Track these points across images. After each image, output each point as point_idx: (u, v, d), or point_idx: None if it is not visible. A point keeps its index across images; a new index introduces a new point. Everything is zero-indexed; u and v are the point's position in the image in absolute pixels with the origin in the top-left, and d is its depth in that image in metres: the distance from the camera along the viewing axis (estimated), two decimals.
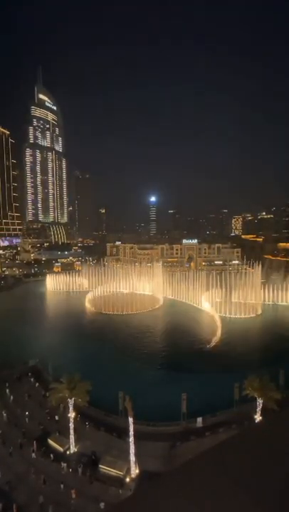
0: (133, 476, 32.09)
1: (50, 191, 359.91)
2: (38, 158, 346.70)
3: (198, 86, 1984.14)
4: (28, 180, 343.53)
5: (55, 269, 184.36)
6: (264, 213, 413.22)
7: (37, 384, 50.76)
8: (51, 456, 34.32)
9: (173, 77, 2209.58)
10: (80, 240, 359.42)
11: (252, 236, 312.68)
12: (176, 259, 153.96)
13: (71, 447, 36.06)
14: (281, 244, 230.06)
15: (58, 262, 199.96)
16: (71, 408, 37.11)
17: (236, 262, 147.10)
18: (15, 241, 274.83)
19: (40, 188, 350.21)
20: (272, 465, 2.24)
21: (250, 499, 1.91)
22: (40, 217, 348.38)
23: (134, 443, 32.32)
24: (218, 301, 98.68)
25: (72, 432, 35.96)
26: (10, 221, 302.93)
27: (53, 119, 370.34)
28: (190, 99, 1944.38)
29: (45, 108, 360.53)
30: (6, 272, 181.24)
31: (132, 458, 32.37)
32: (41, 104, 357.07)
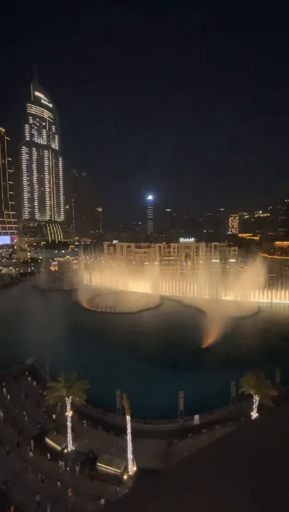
0: (131, 473, 32.24)
1: (47, 189, 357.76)
2: (34, 156, 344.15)
3: (199, 83, 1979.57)
4: (24, 178, 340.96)
5: (52, 268, 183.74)
6: (260, 212, 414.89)
7: (34, 383, 50.65)
8: (48, 454, 34.31)
9: (172, 75, 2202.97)
10: (76, 238, 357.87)
11: (249, 234, 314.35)
12: (173, 258, 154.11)
13: (69, 446, 36.10)
14: (278, 242, 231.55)
15: (54, 261, 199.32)
16: (68, 407, 37.12)
17: (233, 260, 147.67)
18: (8, 241, 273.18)
19: (36, 187, 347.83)
20: (268, 461, 2.27)
21: (248, 495, 1.93)
22: (37, 216, 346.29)
23: (132, 441, 32.45)
24: (215, 300, 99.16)
25: (69, 430, 35.98)
26: (6, 219, 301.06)
27: (49, 117, 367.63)
28: (190, 96, 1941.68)
29: (41, 105, 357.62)
30: (3, 271, 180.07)
31: (130, 456, 32.51)
32: (37, 102, 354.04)
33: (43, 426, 39.76)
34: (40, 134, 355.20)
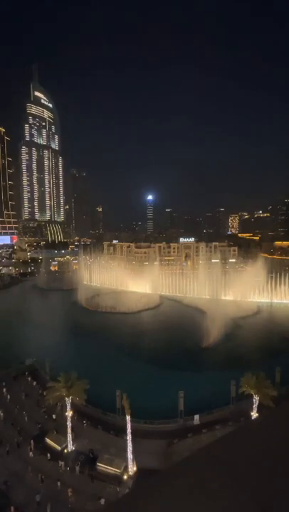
0: (131, 473, 32.24)
1: (47, 189, 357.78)
2: (34, 156, 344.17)
3: (199, 87, 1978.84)
4: (24, 178, 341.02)
5: (52, 268, 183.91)
6: (260, 212, 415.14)
7: (34, 383, 50.67)
8: (48, 454, 34.32)
9: (172, 74, 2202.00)
10: (76, 238, 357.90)
11: (248, 234, 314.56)
12: (173, 258, 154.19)
13: (69, 446, 36.11)
14: (277, 242, 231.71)
15: (54, 261, 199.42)
16: (68, 407, 37.15)
17: (233, 260, 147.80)
18: (8, 241, 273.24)
19: (36, 186, 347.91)
20: (268, 461, 2.27)
21: (248, 495, 1.93)
22: (37, 216, 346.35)
23: (132, 441, 32.46)
24: (215, 300, 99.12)
25: (69, 430, 35.99)
26: (6, 219, 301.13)
27: (49, 117, 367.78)
28: (190, 98, 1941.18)
29: (40, 105, 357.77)
30: (3, 271, 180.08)
31: (130, 456, 32.52)
32: (37, 102, 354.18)
33: (43, 426, 39.76)
34: (40, 134, 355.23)
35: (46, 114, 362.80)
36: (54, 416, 41.44)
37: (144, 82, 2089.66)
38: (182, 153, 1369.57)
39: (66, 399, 36.86)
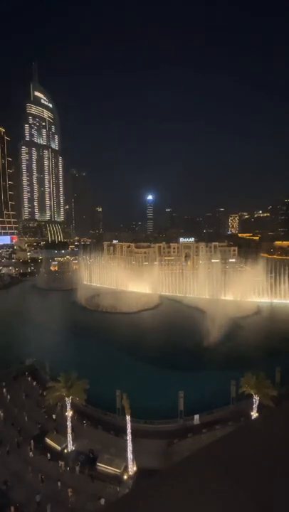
0: (131, 473, 32.24)
1: (47, 189, 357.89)
2: (34, 156, 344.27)
3: (199, 87, 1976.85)
4: (24, 178, 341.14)
5: (51, 268, 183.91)
6: (260, 212, 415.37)
7: (34, 383, 50.66)
8: (48, 454, 34.31)
9: (172, 74, 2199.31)
10: (76, 238, 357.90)
11: (248, 234, 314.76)
12: (173, 258, 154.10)
13: (69, 446, 36.10)
14: (277, 242, 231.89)
15: (54, 261, 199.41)
16: (68, 407, 37.14)
17: (233, 260, 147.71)
18: (8, 241, 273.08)
19: (36, 186, 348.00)
20: (268, 461, 2.27)
21: (248, 495, 1.93)
22: (37, 216, 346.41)
23: (132, 441, 32.46)
24: (215, 300, 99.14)
25: (69, 430, 35.98)
26: (6, 219, 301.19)
27: (49, 117, 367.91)
28: (190, 98, 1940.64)
29: (40, 105, 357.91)
30: (3, 271, 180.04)
31: (130, 456, 32.52)
32: (37, 102, 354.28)
33: (43, 426, 39.75)
34: (40, 134, 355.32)
35: (46, 114, 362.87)
36: (54, 416, 41.43)
37: (144, 82, 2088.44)
38: (182, 153, 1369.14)
39: (66, 399, 36.85)
